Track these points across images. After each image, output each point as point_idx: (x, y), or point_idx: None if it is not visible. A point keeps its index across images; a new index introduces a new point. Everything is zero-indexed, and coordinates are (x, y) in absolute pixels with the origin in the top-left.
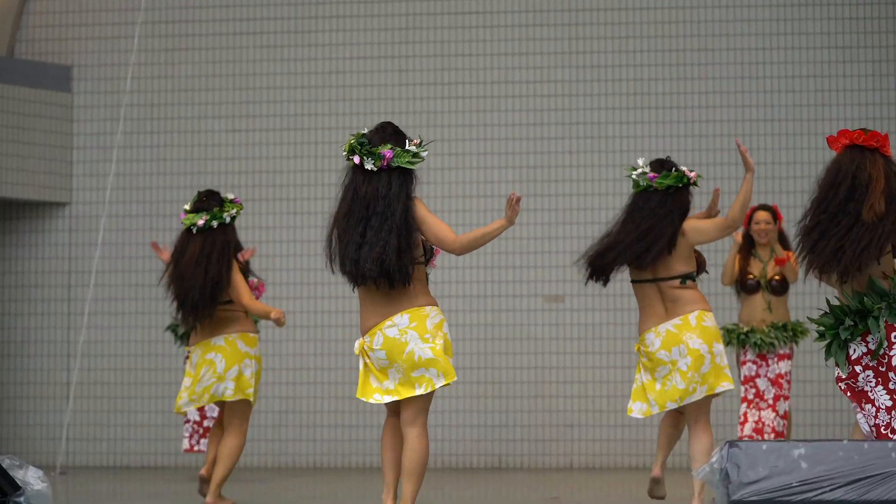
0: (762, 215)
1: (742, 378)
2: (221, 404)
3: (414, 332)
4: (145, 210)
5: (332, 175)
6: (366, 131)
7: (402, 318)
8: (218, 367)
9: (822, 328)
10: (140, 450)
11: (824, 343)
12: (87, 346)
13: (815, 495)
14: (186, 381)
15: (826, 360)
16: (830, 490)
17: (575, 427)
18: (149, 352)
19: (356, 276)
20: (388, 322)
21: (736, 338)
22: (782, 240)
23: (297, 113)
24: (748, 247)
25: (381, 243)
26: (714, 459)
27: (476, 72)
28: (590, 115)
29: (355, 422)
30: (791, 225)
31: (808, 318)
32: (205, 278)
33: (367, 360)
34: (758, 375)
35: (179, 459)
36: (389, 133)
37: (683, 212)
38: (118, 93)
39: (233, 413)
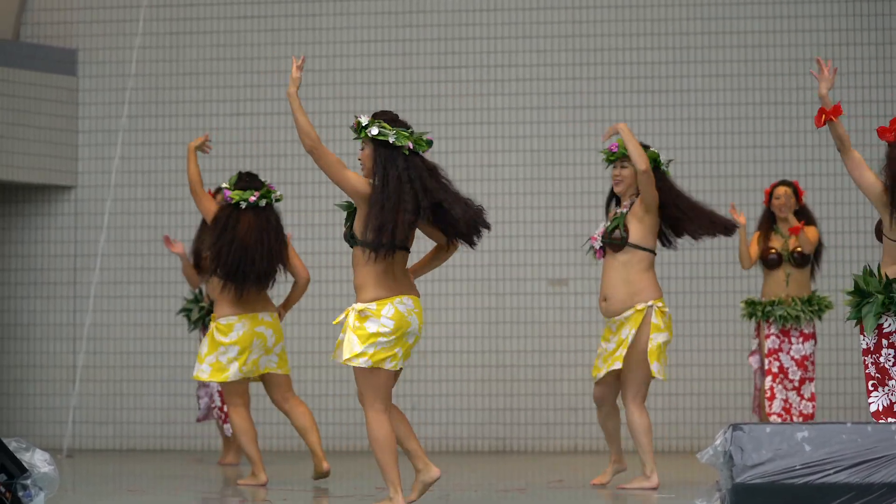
0: (781, 190)
1: (766, 351)
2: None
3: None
4: (150, 194)
5: None
6: (365, 118)
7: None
8: (269, 340)
9: (863, 287)
10: (146, 433)
11: (857, 302)
12: (93, 329)
13: (819, 478)
14: (223, 352)
15: (849, 319)
16: (834, 473)
17: (579, 410)
18: (155, 335)
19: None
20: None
21: (761, 311)
22: (806, 215)
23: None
24: (769, 222)
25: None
26: (718, 442)
27: (479, 55)
28: (594, 98)
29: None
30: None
31: (846, 288)
32: (269, 250)
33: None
34: (780, 350)
35: (186, 442)
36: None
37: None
38: (123, 76)
39: (281, 387)
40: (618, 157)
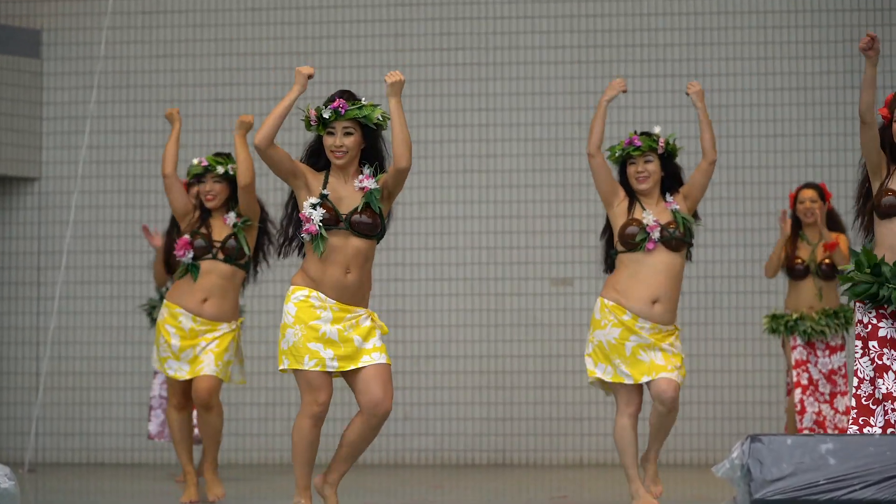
0: (807, 193)
1: (793, 362)
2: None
3: None
4: (121, 185)
5: None
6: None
7: None
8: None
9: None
10: (116, 445)
11: (858, 282)
12: (57, 332)
13: (844, 494)
14: None
15: (849, 301)
16: (861, 488)
17: (585, 420)
18: (125, 339)
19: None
20: None
21: (783, 325)
22: (832, 220)
23: (285, 81)
24: (795, 229)
25: None
26: (735, 455)
27: (478, 36)
28: (601, 83)
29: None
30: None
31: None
32: None
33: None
34: (808, 361)
35: (158, 456)
36: None
37: None
38: (91, 59)
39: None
40: (642, 152)
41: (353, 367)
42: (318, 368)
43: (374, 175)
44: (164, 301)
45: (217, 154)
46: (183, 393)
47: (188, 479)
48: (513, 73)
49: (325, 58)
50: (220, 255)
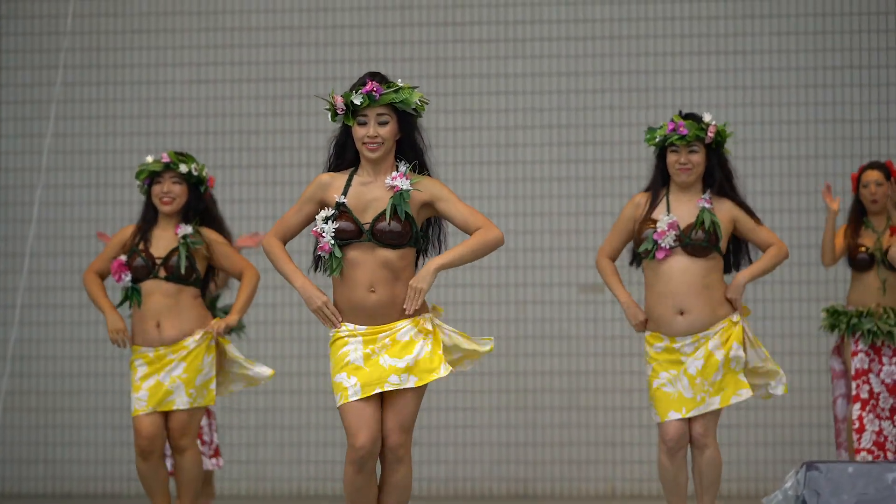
0: (872, 175)
1: (853, 372)
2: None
3: None
4: (90, 179)
5: (320, 137)
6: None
7: None
8: None
9: None
10: (84, 473)
11: None
12: (19, 346)
13: None
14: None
15: None
16: None
17: (617, 445)
18: (96, 353)
19: None
20: None
21: (845, 323)
22: None
23: (277, 60)
24: (859, 214)
25: None
26: (788, 485)
27: (496, 9)
28: (636, 62)
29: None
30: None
31: None
32: None
33: None
34: (870, 370)
35: (132, 486)
36: None
37: None
38: (56, 34)
39: None
40: (687, 141)
41: (377, 390)
42: (342, 401)
43: (412, 172)
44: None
45: (178, 153)
46: (145, 435)
47: None
48: (535, 51)
49: (322, 33)
50: (162, 273)
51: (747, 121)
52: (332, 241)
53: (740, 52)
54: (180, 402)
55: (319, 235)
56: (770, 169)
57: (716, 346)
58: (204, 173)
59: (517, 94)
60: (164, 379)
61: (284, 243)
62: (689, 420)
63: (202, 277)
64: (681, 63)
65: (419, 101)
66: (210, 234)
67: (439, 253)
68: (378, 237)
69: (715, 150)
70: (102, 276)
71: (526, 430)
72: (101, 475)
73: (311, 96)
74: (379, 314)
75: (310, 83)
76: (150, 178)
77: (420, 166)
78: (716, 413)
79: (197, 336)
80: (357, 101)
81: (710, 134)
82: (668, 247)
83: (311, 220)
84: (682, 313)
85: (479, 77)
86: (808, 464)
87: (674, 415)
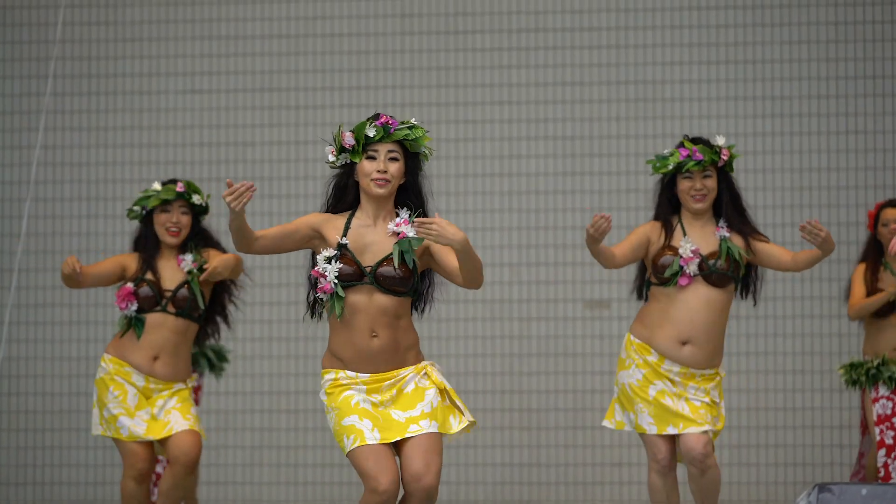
0: (891, 213)
1: (875, 418)
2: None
3: None
4: (80, 192)
5: (317, 148)
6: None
7: None
8: None
9: None
10: (75, 496)
11: None
12: (7, 364)
13: None
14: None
15: None
16: None
17: (624, 466)
18: (86, 372)
19: None
20: None
21: (864, 374)
22: None
23: (273, 69)
24: (876, 256)
25: None
26: None
27: (498, 17)
28: (643, 72)
29: (346, 460)
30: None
31: None
32: None
33: None
34: (894, 415)
35: None
36: None
37: None
38: (46, 42)
39: None
40: (703, 166)
41: (398, 437)
42: (357, 444)
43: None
44: (106, 356)
45: (189, 183)
46: (144, 458)
47: None
48: (539, 60)
49: (320, 42)
50: (171, 308)
51: (757, 132)
52: (335, 282)
53: (750, 62)
54: (180, 425)
55: (321, 276)
56: (781, 182)
57: (703, 392)
58: (207, 202)
59: (520, 105)
60: (158, 414)
61: (257, 237)
62: (686, 439)
63: (207, 304)
64: (689, 73)
65: (425, 148)
66: (206, 251)
67: (427, 307)
68: (381, 282)
69: (723, 172)
70: (89, 277)
71: (530, 450)
72: (91, 497)
73: (308, 107)
74: (381, 360)
75: (307, 93)
76: (159, 205)
77: (423, 215)
78: (716, 433)
79: (188, 382)
80: (371, 134)
81: (723, 157)
82: (692, 274)
83: (294, 240)
84: (686, 344)
85: (481, 87)
86: (821, 485)
87: (671, 429)
